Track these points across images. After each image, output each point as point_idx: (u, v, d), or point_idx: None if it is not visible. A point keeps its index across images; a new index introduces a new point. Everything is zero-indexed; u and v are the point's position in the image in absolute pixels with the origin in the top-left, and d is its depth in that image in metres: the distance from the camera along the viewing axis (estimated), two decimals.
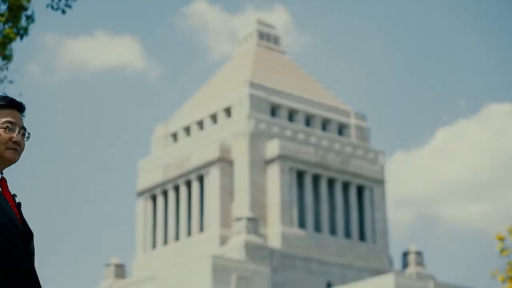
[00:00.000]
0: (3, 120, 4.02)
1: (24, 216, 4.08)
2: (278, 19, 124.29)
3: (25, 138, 4.09)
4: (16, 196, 4.08)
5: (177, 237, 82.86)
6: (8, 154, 4.02)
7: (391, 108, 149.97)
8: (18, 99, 4.13)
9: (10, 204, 3.97)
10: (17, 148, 4.03)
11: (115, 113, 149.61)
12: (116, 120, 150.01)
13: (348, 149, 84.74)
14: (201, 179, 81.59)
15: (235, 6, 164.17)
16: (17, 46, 12.32)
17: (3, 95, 4.10)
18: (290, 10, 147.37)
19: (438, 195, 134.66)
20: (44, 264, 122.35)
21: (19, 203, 4.06)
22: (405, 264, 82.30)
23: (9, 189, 4.09)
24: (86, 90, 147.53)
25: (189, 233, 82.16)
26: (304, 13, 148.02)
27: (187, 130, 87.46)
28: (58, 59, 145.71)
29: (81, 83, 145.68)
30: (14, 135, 4.01)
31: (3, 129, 4.01)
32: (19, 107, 4.10)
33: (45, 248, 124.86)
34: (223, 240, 76.68)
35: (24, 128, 4.08)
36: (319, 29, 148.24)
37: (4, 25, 11.82)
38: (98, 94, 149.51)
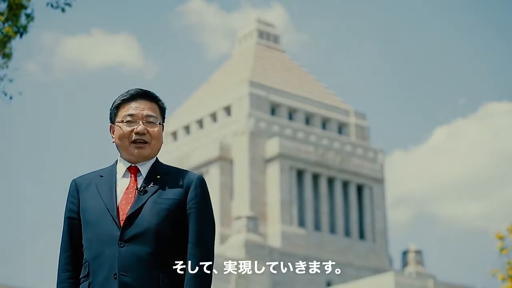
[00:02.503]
0: (124, 114, 4.03)
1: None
2: (276, 17, 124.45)
3: (158, 124, 4.04)
4: (158, 179, 3.99)
5: None
6: (132, 148, 4.01)
7: (389, 107, 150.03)
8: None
9: (119, 195, 3.97)
10: (142, 139, 4.00)
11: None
12: None
13: (348, 148, 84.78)
14: None
15: (231, 4, 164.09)
16: (15, 44, 12.35)
17: (130, 88, 4.09)
18: (288, 8, 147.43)
19: (437, 194, 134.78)
20: (43, 265, 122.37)
21: (155, 187, 3.96)
22: (404, 263, 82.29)
23: (143, 176, 4.02)
24: (84, 88, 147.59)
25: None
26: (302, 11, 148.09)
27: (187, 129, 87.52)
28: (55, 57, 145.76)
29: (79, 81, 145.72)
30: (136, 127, 3.99)
31: (123, 123, 4.01)
32: (145, 97, 4.07)
33: (45, 248, 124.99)
34: (223, 239, 76.74)
35: (152, 116, 4.03)
36: (317, 27, 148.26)
37: (4, 23, 11.82)
38: (96, 93, 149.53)
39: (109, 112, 4.13)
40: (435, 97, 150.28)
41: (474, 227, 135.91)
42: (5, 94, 12.10)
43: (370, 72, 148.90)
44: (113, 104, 4.10)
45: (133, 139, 4.00)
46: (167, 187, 3.99)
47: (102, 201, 3.95)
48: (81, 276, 3.97)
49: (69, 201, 4.09)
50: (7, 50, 11.99)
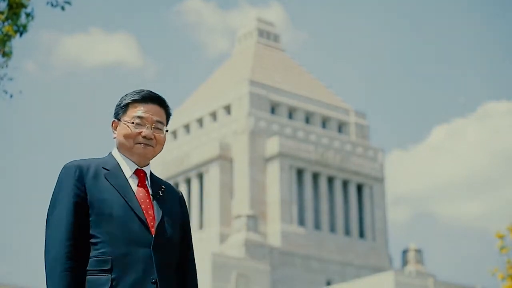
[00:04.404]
0: (133, 115, 4.03)
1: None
2: (274, 16, 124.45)
3: (164, 132, 4.09)
4: (163, 190, 4.07)
5: None
6: (137, 149, 4.03)
7: (388, 106, 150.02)
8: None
9: (136, 196, 3.96)
10: (147, 143, 4.02)
11: (113, 111, 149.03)
12: None
13: (348, 147, 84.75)
14: (200, 177, 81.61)
15: (229, 3, 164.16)
16: (15, 43, 12.35)
17: (141, 89, 4.09)
18: (286, 7, 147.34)
19: (437, 193, 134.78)
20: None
21: (159, 191, 4.04)
22: (404, 262, 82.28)
23: (148, 182, 4.07)
24: (82, 88, 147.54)
25: None
26: (301, 10, 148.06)
27: (187, 128, 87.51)
28: (54, 56, 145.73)
29: (77, 81, 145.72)
30: (144, 130, 4.00)
31: (132, 124, 4.01)
32: (155, 101, 4.07)
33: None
34: (223, 238, 76.72)
35: (160, 122, 4.06)
36: (316, 26, 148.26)
37: (3, 22, 11.81)
38: (95, 92, 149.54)
39: (116, 107, 4.12)
40: (434, 96, 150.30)
41: (474, 226, 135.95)
42: (6, 93, 12.09)
43: (370, 71, 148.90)
44: (122, 101, 4.09)
45: (139, 141, 4.03)
46: (170, 198, 4.11)
47: (121, 197, 3.92)
48: (96, 269, 3.84)
49: (72, 185, 3.92)
50: (7, 49, 11.98)
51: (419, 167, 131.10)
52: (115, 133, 4.08)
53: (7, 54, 12.00)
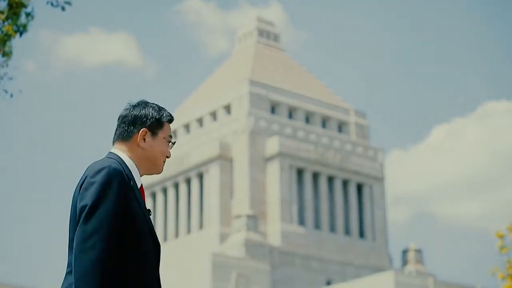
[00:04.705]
0: (169, 134, 4.07)
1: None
2: (274, 15, 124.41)
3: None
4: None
5: (176, 235, 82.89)
6: (162, 167, 4.07)
7: (388, 106, 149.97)
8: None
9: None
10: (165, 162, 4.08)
11: (113, 110, 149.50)
12: (114, 118, 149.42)
13: (348, 147, 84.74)
14: (200, 177, 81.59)
15: (229, 2, 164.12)
16: (14, 42, 12.33)
17: (162, 109, 4.07)
18: (286, 7, 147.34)
19: (436, 193, 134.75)
20: (45, 263, 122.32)
21: (149, 210, 4.00)
22: (404, 262, 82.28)
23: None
24: (82, 87, 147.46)
25: (188, 230, 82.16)
26: (301, 10, 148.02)
27: (187, 127, 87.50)
28: (54, 56, 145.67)
29: (77, 80, 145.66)
30: (169, 151, 4.08)
31: (168, 142, 4.05)
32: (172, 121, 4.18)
33: (45, 246, 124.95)
34: (223, 238, 76.69)
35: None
36: (316, 26, 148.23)
37: (4, 22, 11.81)
38: (95, 92, 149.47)
39: (149, 118, 3.99)
40: (434, 96, 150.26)
41: (474, 226, 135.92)
42: (6, 92, 12.09)
43: (370, 71, 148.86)
44: (158, 115, 4.01)
45: (164, 160, 4.03)
46: None
47: (144, 214, 3.85)
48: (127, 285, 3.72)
49: (117, 193, 3.76)
50: (7, 49, 11.97)
51: (419, 167, 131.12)
52: (143, 144, 3.98)
53: (7, 54, 11.99)
